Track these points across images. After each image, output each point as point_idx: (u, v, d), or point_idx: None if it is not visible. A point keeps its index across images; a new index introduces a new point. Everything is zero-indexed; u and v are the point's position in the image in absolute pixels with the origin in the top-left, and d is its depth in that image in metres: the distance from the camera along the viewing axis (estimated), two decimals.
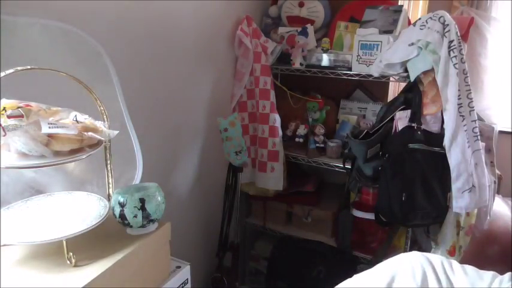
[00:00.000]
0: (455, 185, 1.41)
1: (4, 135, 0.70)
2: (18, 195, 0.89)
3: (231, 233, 1.87)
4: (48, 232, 0.77)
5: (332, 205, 2.02)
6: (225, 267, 1.85)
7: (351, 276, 0.76)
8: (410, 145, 1.45)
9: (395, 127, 1.55)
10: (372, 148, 1.53)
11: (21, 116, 0.76)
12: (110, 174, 0.95)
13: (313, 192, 2.02)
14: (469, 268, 0.52)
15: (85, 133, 0.78)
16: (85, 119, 0.83)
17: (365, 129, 1.67)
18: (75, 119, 0.81)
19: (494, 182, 1.56)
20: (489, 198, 1.48)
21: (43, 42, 0.99)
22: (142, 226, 0.89)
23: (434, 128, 1.48)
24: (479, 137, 1.41)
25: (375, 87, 2.02)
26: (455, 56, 1.35)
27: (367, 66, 1.67)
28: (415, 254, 0.64)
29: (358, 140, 1.55)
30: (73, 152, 0.77)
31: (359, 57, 1.68)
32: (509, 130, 1.82)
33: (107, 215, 0.85)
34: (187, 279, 1.03)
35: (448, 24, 1.36)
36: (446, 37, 1.35)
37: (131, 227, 0.88)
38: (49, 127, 0.72)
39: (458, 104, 1.37)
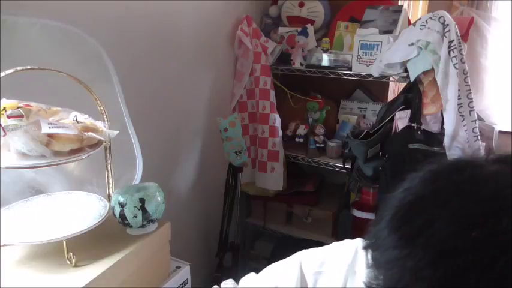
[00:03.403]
0: None
1: (4, 135, 0.70)
2: (18, 195, 0.89)
3: (231, 233, 1.87)
4: (48, 232, 0.77)
5: (332, 205, 2.02)
6: (225, 267, 1.85)
7: None
8: (411, 145, 1.45)
9: (396, 127, 1.55)
10: (372, 148, 1.53)
11: (21, 116, 0.76)
12: (110, 174, 0.94)
13: (313, 192, 2.02)
14: None
15: (85, 133, 0.78)
16: (85, 119, 0.83)
17: (365, 129, 1.67)
18: (75, 119, 0.81)
19: None
20: None
21: (43, 42, 0.99)
22: (142, 226, 0.89)
23: (434, 128, 1.48)
24: (479, 137, 1.41)
25: (375, 87, 2.02)
26: (455, 56, 1.35)
27: (367, 66, 1.67)
28: (356, 239, 0.66)
29: (358, 140, 1.55)
30: (73, 152, 0.76)
31: (359, 57, 1.68)
32: (509, 130, 1.82)
33: (107, 215, 0.84)
34: (187, 279, 1.03)
35: (448, 24, 1.35)
36: (446, 37, 1.35)
37: (131, 227, 0.88)
38: (49, 127, 0.72)
39: (458, 104, 1.37)
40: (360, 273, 0.61)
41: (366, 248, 0.44)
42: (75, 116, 0.82)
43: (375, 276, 0.41)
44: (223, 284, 0.75)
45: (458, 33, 1.36)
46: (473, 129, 1.39)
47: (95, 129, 0.81)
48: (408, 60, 1.47)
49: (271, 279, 0.68)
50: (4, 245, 0.76)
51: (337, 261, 0.64)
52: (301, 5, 1.93)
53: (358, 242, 0.65)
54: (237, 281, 0.77)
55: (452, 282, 0.34)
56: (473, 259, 0.34)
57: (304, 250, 0.69)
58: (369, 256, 0.43)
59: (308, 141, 1.88)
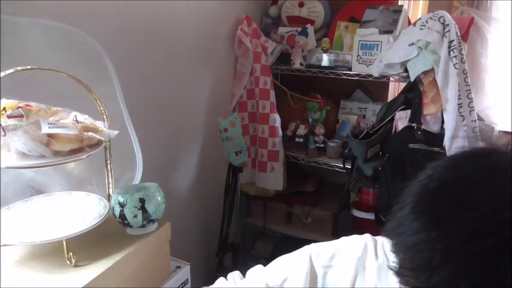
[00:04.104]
0: None
1: (4, 135, 0.70)
2: (18, 195, 0.89)
3: (231, 233, 1.87)
4: (48, 232, 0.77)
5: (332, 205, 2.02)
6: (225, 267, 1.85)
7: None
8: (411, 145, 1.45)
9: (396, 127, 1.55)
10: (372, 148, 1.53)
11: (21, 116, 0.76)
12: (110, 174, 0.94)
13: (313, 192, 2.02)
14: None
15: (85, 133, 0.78)
16: (85, 119, 0.83)
17: (365, 129, 1.67)
18: (75, 119, 0.81)
19: None
20: None
21: (43, 42, 0.99)
22: (142, 226, 0.89)
23: (434, 128, 1.48)
24: (479, 137, 1.41)
25: (375, 87, 2.02)
26: (455, 56, 1.35)
27: (367, 66, 1.67)
28: (365, 235, 0.67)
29: (358, 140, 1.55)
30: (73, 152, 0.76)
31: (359, 57, 1.68)
32: (509, 130, 1.82)
33: (106, 215, 0.84)
34: (187, 279, 1.03)
35: (448, 24, 1.35)
36: (446, 37, 1.35)
37: (131, 227, 0.88)
38: (49, 127, 0.72)
39: (458, 104, 1.37)
40: (370, 268, 0.62)
41: (388, 235, 0.45)
42: (75, 116, 0.82)
43: (401, 261, 0.42)
44: (229, 275, 0.75)
45: (458, 33, 1.36)
46: (473, 129, 1.39)
47: (95, 129, 0.81)
48: (408, 60, 1.47)
49: (281, 271, 0.68)
50: (4, 245, 0.76)
51: (347, 255, 0.64)
52: (301, 5, 1.93)
53: (367, 238, 0.66)
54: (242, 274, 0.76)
55: (485, 260, 0.35)
56: (506, 238, 0.35)
57: (313, 244, 0.69)
58: (392, 242, 0.44)
59: (308, 141, 1.88)
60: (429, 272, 0.38)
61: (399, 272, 0.43)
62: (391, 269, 0.44)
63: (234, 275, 0.75)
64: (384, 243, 0.64)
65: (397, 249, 0.43)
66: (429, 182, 0.43)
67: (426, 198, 0.42)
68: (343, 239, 0.68)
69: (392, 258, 0.49)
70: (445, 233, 0.38)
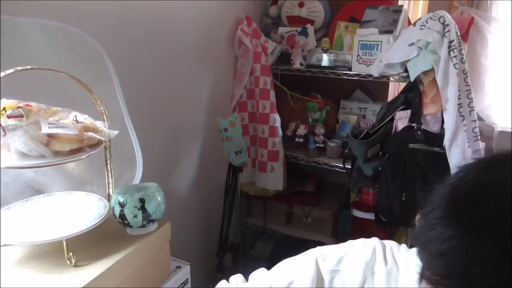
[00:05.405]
0: None
1: (4, 135, 0.70)
2: (18, 195, 0.89)
3: (231, 233, 1.87)
4: (48, 232, 0.77)
5: (332, 205, 2.02)
6: (225, 267, 1.85)
7: None
8: (411, 145, 1.45)
9: (396, 127, 1.55)
10: (372, 148, 1.53)
11: (21, 116, 0.76)
12: (110, 174, 0.94)
13: (313, 192, 2.02)
14: (414, 249, 0.51)
15: (85, 133, 0.78)
16: (85, 119, 0.83)
17: (365, 129, 1.67)
18: (75, 119, 0.81)
19: None
20: None
21: (43, 42, 0.99)
22: (142, 226, 0.89)
23: (434, 128, 1.48)
24: (479, 137, 1.41)
25: (375, 87, 2.02)
26: (455, 56, 1.35)
27: (367, 66, 1.67)
28: (372, 238, 0.66)
29: (358, 140, 1.55)
30: (73, 152, 0.77)
31: (359, 57, 1.68)
32: (509, 130, 1.82)
33: (106, 215, 0.84)
34: (187, 279, 1.03)
35: (448, 24, 1.35)
36: (446, 37, 1.35)
37: (131, 227, 0.88)
38: (49, 127, 0.72)
39: (458, 104, 1.37)
40: (379, 274, 0.60)
41: (416, 241, 0.43)
42: (75, 116, 0.82)
43: (432, 268, 0.40)
44: (232, 278, 0.74)
45: (458, 33, 1.36)
46: (473, 129, 1.39)
47: (95, 129, 0.81)
48: (408, 60, 1.47)
49: (286, 275, 0.66)
50: (4, 245, 0.76)
51: (355, 260, 0.63)
52: (301, 5, 1.93)
53: (375, 242, 0.65)
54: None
55: None
56: None
57: (318, 247, 0.67)
58: (419, 248, 0.42)
59: (308, 141, 1.88)
60: (466, 279, 0.36)
61: (432, 280, 0.40)
62: (421, 276, 0.41)
63: (237, 278, 0.73)
64: (393, 247, 0.63)
65: (426, 255, 0.41)
66: (462, 184, 0.41)
67: (460, 201, 0.40)
68: (350, 242, 0.66)
69: (403, 263, 0.46)
70: (485, 238, 0.36)
